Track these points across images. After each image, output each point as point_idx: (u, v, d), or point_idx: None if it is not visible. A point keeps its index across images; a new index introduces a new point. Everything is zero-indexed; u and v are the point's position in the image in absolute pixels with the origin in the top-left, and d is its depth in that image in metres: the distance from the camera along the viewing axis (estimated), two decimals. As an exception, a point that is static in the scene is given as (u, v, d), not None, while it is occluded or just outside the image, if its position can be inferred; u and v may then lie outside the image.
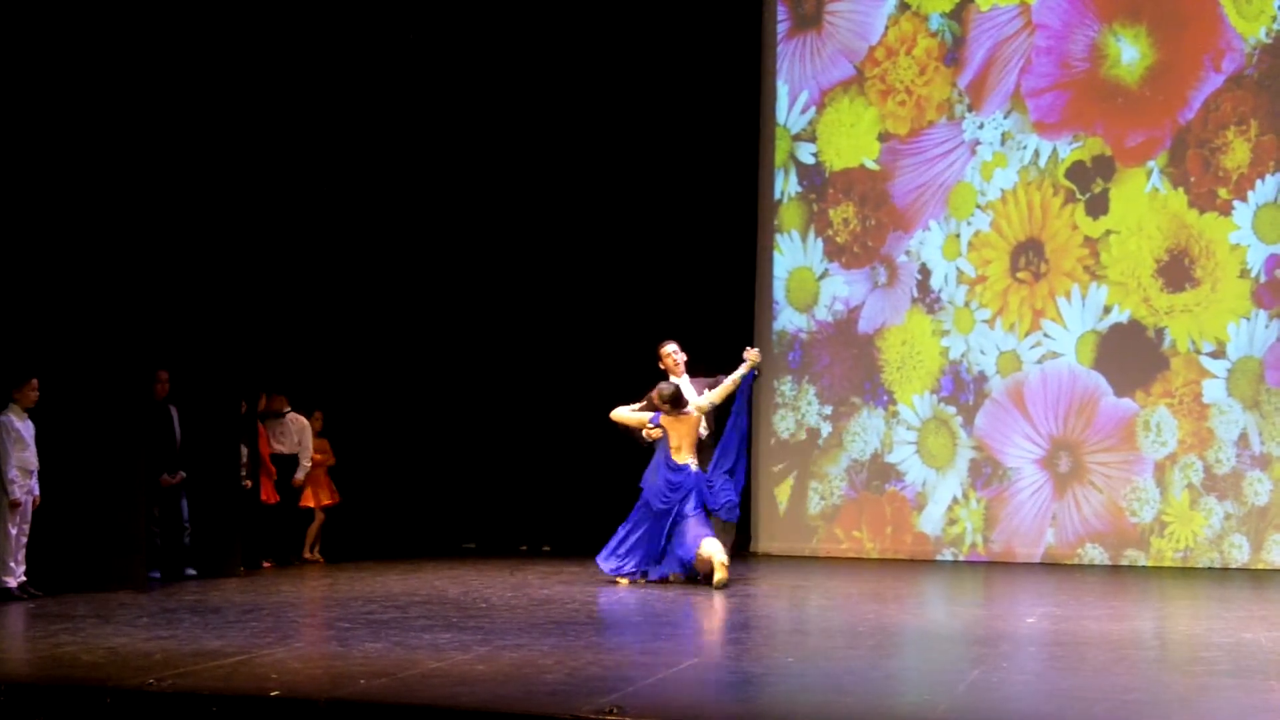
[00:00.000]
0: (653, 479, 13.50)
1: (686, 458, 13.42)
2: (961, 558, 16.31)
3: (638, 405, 13.54)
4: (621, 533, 13.64)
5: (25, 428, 12.13)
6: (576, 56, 17.41)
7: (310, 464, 15.45)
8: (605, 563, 13.62)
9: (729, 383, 13.58)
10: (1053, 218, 16.25)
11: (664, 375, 13.72)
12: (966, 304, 16.45)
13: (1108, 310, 16.02)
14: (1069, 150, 16.21)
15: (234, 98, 14.31)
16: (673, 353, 13.94)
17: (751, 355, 13.72)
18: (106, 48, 12.86)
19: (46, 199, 12.63)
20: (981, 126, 16.50)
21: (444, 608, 11.22)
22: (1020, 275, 16.31)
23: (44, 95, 12.62)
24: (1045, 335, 16.19)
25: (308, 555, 15.56)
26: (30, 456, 12.13)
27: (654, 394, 13.37)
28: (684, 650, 9.19)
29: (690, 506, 13.29)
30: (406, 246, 17.20)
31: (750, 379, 13.72)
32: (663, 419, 13.42)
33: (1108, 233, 16.08)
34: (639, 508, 13.58)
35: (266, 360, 15.11)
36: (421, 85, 17.26)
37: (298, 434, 15.38)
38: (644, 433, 13.60)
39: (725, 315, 17.07)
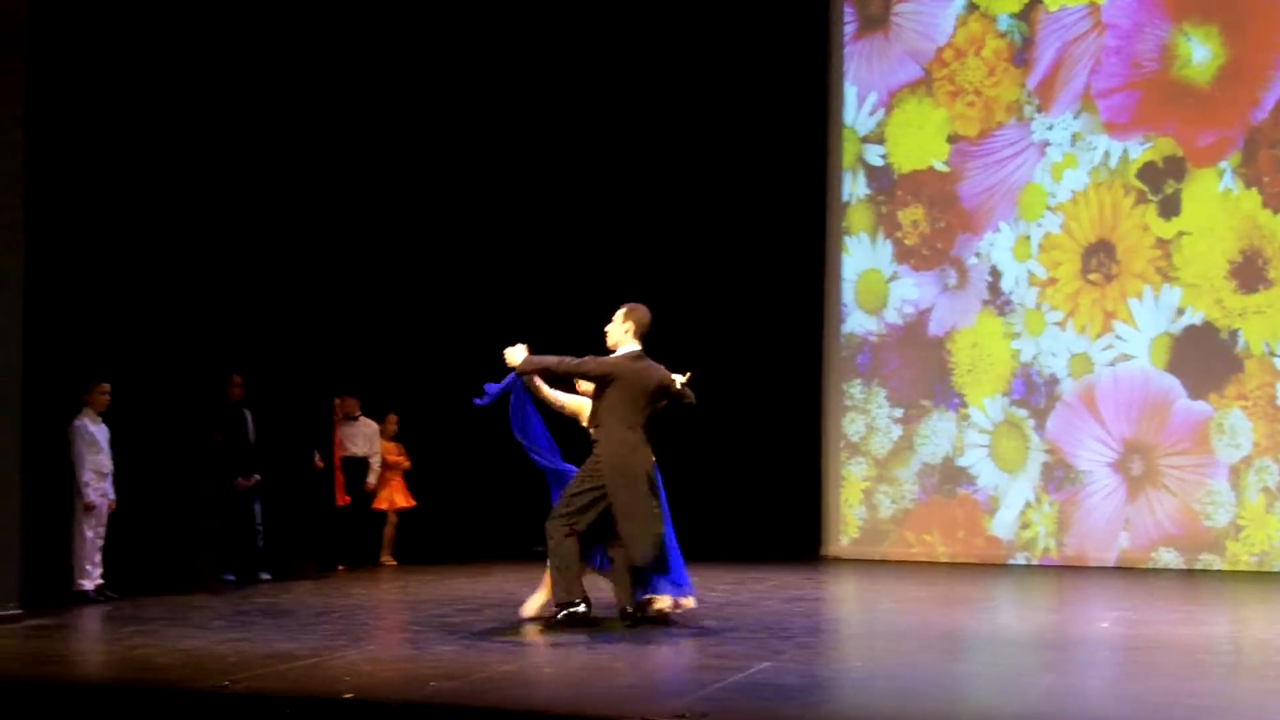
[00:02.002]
0: None
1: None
2: (1034, 562, 16.21)
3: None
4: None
5: (99, 431, 12.24)
6: (646, 60, 17.42)
7: (379, 467, 15.52)
8: None
9: None
10: (1124, 219, 16.14)
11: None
12: (1037, 306, 16.36)
13: (1180, 312, 15.89)
14: (1140, 151, 16.10)
15: (305, 102, 14.40)
16: None
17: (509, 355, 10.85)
18: (178, 52, 12.97)
19: (121, 203, 12.75)
20: (1051, 128, 16.40)
21: (515, 610, 11.24)
22: (1091, 277, 16.21)
23: (119, 101, 12.75)
24: (1117, 337, 16.07)
25: (383, 559, 15.64)
26: (104, 460, 12.25)
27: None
28: (754, 654, 9.18)
29: None
30: (483, 252, 17.23)
31: (509, 385, 10.91)
32: None
33: (1180, 234, 15.95)
34: None
35: (341, 364, 15.20)
36: (496, 88, 17.30)
37: (369, 438, 15.47)
38: None
39: (793, 318, 17.05)
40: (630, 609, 10.52)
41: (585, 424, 10.90)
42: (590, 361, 10.75)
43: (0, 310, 10.55)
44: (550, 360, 10.71)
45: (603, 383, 10.69)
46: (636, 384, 10.72)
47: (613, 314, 10.87)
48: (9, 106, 10.69)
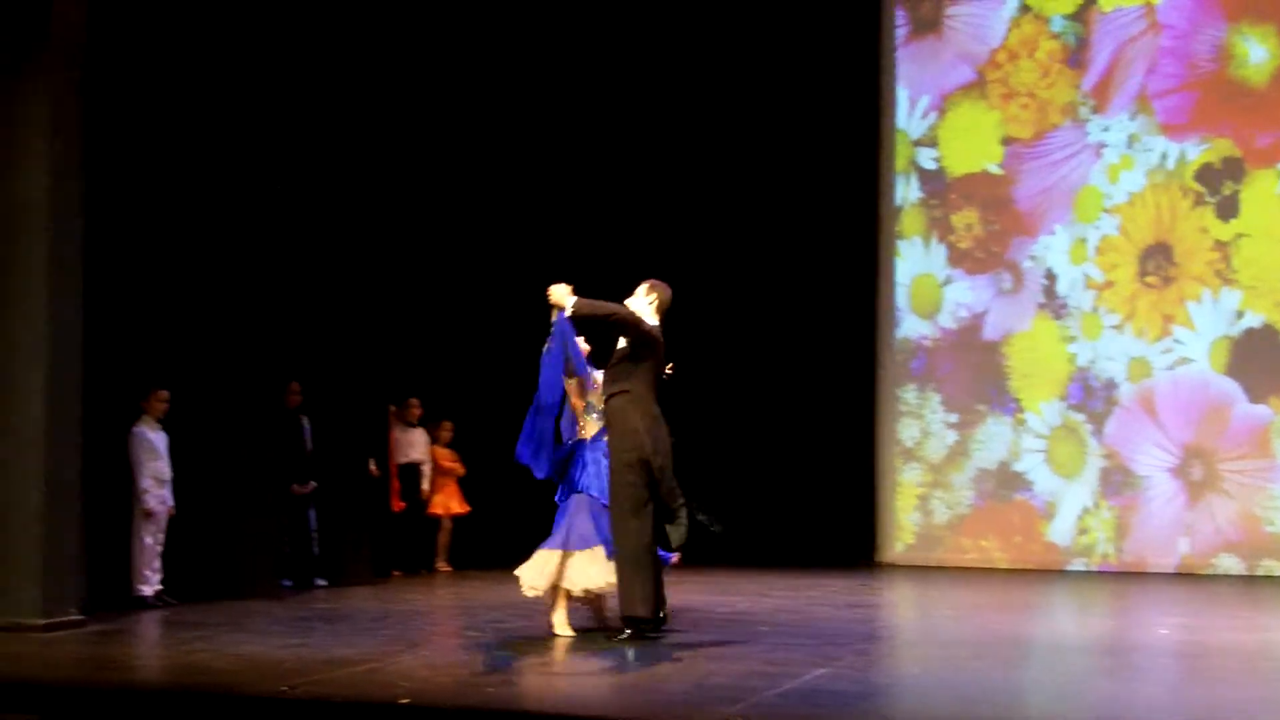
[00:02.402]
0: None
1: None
2: (1092, 568, 16.10)
3: None
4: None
5: (158, 438, 12.33)
6: (698, 64, 17.41)
7: (431, 473, 15.56)
8: None
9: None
10: (1181, 220, 16.02)
11: None
12: (1094, 309, 16.26)
13: (1239, 315, 15.76)
14: (1197, 152, 15.98)
15: (361, 108, 14.47)
16: None
17: (551, 294, 10.18)
18: (234, 58, 13.06)
19: (180, 212, 12.85)
20: (1107, 129, 16.30)
21: (569, 616, 11.25)
22: (1149, 279, 16.10)
23: (178, 109, 12.84)
24: (1176, 341, 15.95)
25: (438, 565, 15.68)
26: (163, 467, 12.33)
27: None
28: (809, 661, 9.16)
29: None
30: (538, 259, 17.21)
31: (561, 329, 10.20)
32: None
33: (1238, 236, 15.82)
34: None
35: (397, 371, 15.25)
36: (548, 96, 17.33)
37: (422, 444, 15.52)
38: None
39: (847, 324, 16.99)
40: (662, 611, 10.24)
41: (585, 397, 10.34)
42: (644, 320, 10.13)
43: (60, 319, 10.63)
44: (607, 306, 10.06)
45: (647, 349, 10.10)
46: (662, 359, 10.28)
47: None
48: (67, 112, 10.77)
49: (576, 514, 10.35)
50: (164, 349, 12.67)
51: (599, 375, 10.42)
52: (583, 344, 10.47)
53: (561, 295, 9.98)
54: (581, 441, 10.50)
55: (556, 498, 10.58)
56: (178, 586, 12.35)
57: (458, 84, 16.38)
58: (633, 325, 10.05)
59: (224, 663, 9.02)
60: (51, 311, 10.56)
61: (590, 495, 10.33)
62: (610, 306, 10.07)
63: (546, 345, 10.19)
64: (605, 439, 10.28)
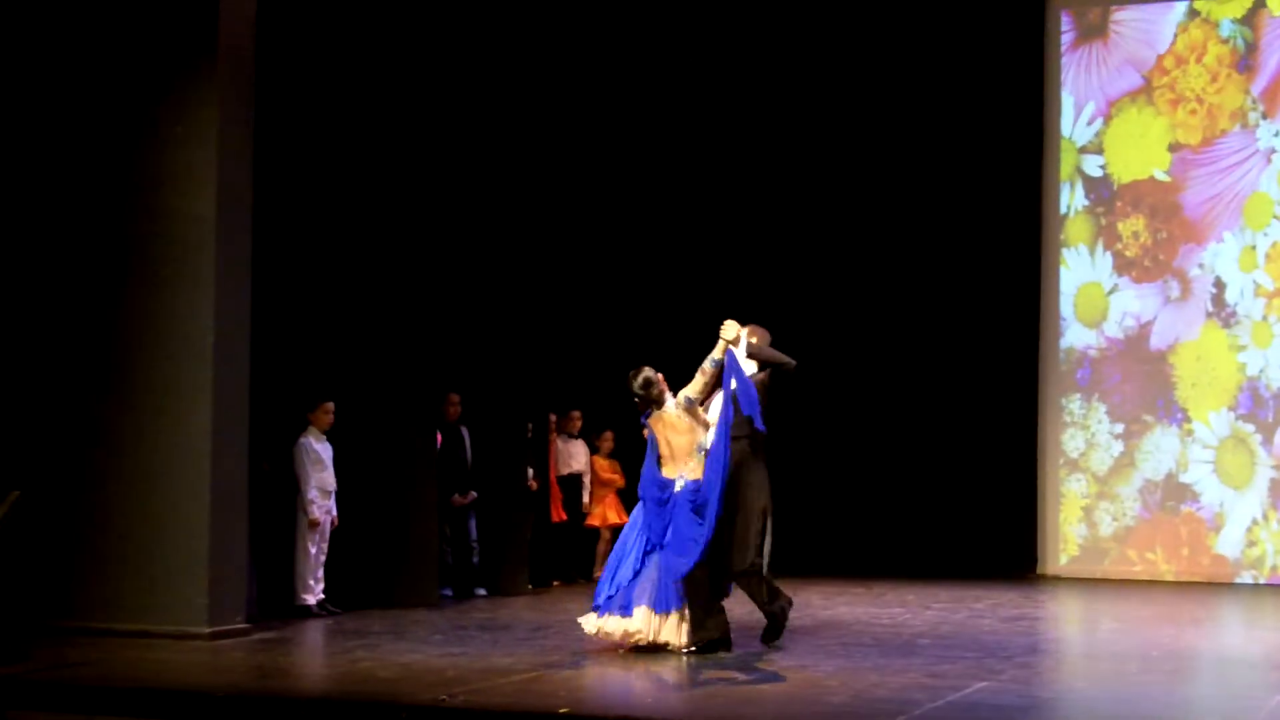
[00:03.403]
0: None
1: (674, 470, 10.46)
2: (1262, 580, 15.77)
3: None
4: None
5: (324, 449, 12.50)
6: (862, 73, 17.33)
7: (590, 484, 15.62)
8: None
9: (701, 370, 10.40)
10: (1355, 227, 15.66)
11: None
12: (1264, 318, 15.92)
13: None
14: (1370, 156, 15.62)
15: (521, 126, 14.59)
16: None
17: (725, 331, 10.29)
18: (400, 72, 13.22)
19: (344, 226, 13.04)
20: (1277, 134, 15.97)
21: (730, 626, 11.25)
22: (1320, 287, 15.75)
23: (342, 125, 13.04)
24: (1348, 350, 15.58)
25: (597, 575, 15.73)
26: (329, 478, 12.50)
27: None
28: (971, 674, 9.07)
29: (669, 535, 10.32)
30: (697, 274, 17.23)
31: (732, 363, 10.26)
32: (651, 419, 10.68)
33: None
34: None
35: (559, 382, 15.33)
36: (691, 113, 17.35)
37: (583, 455, 15.58)
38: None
39: (1011, 332, 16.82)
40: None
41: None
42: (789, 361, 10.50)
43: (228, 331, 10.83)
44: (778, 355, 10.51)
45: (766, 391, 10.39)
46: None
47: (818, 331, 10.66)
48: (237, 124, 10.98)
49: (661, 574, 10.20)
50: (329, 361, 12.86)
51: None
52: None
53: (734, 331, 10.22)
54: (686, 485, 10.34)
55: (645, 527, 10.46)
56: (340, 596, 12.51)
57: (592, 101, 16.43)
58: (787, 370, 10.46)
59: (385, 671, 9.12)
60: (219, 324, 10.74)
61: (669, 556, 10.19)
62: (782, 357, 10.51)
63: (701, 384, 10.32)
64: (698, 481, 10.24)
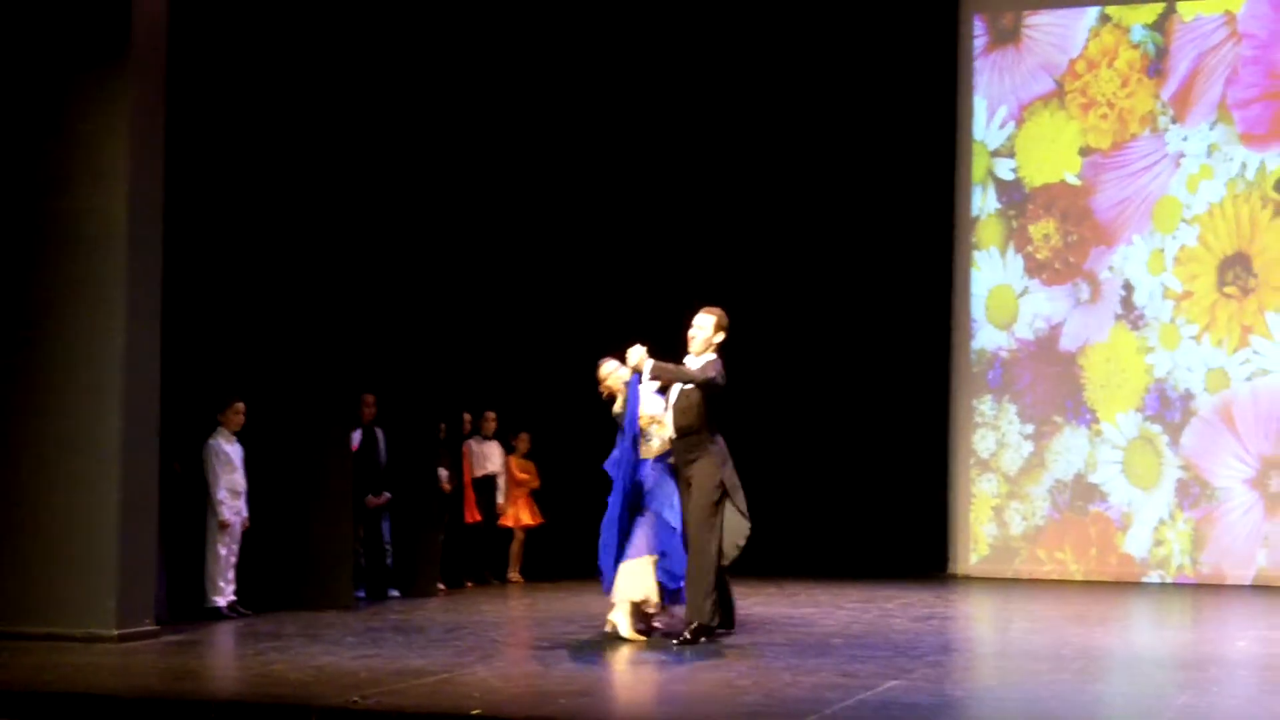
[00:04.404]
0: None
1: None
2: (1169, 580, 15.96)
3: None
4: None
5: (234, 450, 12.40)
6: (777, 75, 17.39)
7: (505, 484, 15.59)
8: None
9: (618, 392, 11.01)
10: (1262, 231, 15.87)
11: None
12: (1173, 320, 16.11)
13: (1320, 325, 15.59)
14: (1278, 162, 15.83)
15: (434, 124, 14.52)
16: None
17: (630, 356, 10.68)
18: (312, 71, 13.13)
19: (254, 225, 12.93)
20: (1186, 139, 16.16)
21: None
22: (1228, 290, 15.94)
23: (253, 122, 12.93)
24: (1254, 352, 15.79)
25: (510, 576, 15.70)
26: (239, 479, 12.40)
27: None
28: (883, 673, 9.11)
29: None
30: (616, 275, 17.23)
31: (633, 390, 10.76)
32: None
33: (1319, 246, 15.66)
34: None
35: (473, 383, 15.29)
36: (624, 110, 17.35)
37: (498, 456, 15.54)
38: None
39: (922, 334, 16.94)
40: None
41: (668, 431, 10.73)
42: (718, 375, 10.63)
43: (138, 331, 10.71)
44: (685, 372, 10.60)
45: (723, 391, 10.68)
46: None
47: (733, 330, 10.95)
48: (149, 120, 10.86)
49: (645, 528, 10.69)
50: (240, 362, 12.75)
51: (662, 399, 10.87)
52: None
53: (639, 358, 10.52)
54: (644, 460, 10.83)
55: (614, 499, 10.79)
56: (251, 598, 12.41)
57: (525, 94, 16.39)
58: (704, 384, 10.55)
59: (297, 673, 9.06)
60: (129, 323, 10.62)
61: (659, 515, 10.70)
62: (688, 372, 10.59)
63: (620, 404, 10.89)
64: (668, 459, 10.79)
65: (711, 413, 10.65)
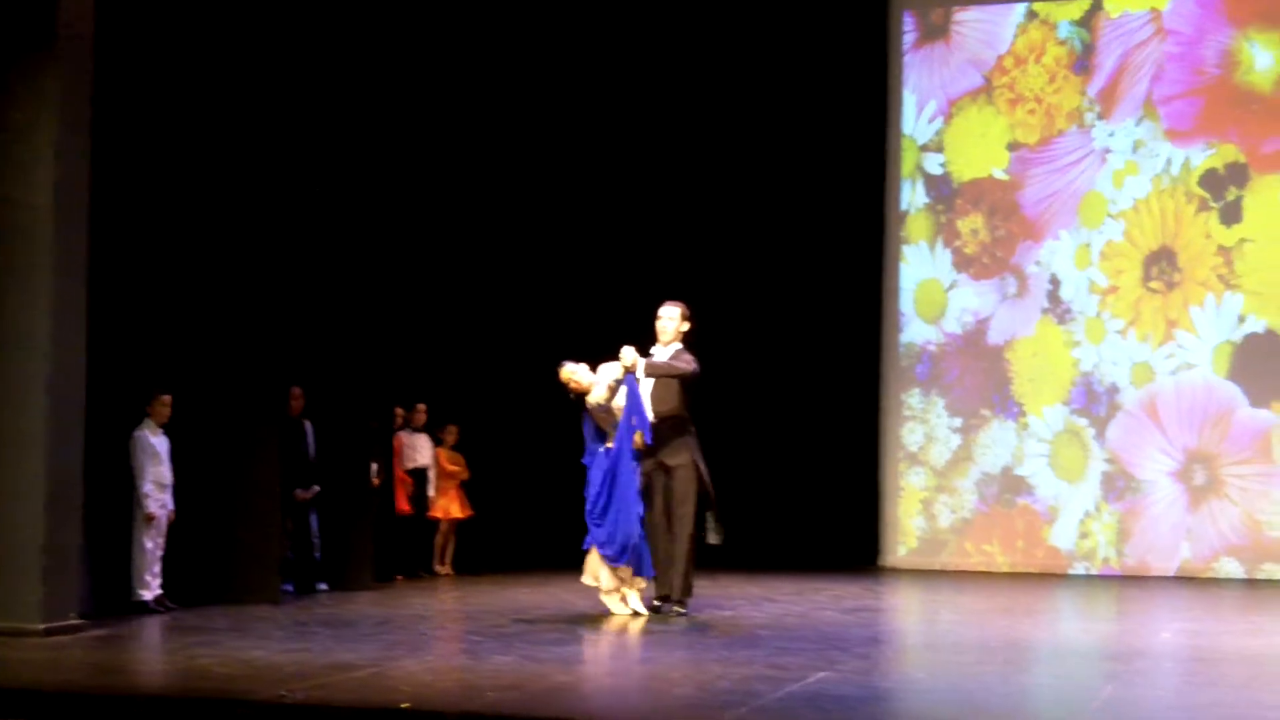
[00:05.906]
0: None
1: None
2: (1094, 572, 16.10)
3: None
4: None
5: (160, 443, 12.30)
6: (705, 70, 17.42)
7: (435, 477, 15.54)
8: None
9: (608, 385, 11.60)
10: (1186, 226, 16.02)
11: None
12: (1098, 314, 16.25)
13: (1242, 320, 15.76)
14: (1202, 158, 15.99)
15: (365, 115, 14.45)
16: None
17: (623, 357, 11.43)
18: (237, 64, 13.04)
19: (181, 217, 12.83)
20: (1112, 134, 16.30)
21: (573, 621, 11.25)
22: (1153, 285, 16.09)
23: (180, 114, 12.83)
24: (1179, 346, 15.95)
25: (437, 567, 15.65)
26: (165, 471, 12.30)
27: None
28: (813, 665, 9.14)
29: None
30: (542, 263, 17.23)
31: (632, 388, 11.43)
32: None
33: (1242, 241, 15.82)
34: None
35: (402, 376, 15.23)
36: (549, 99, 17.33)
37: (428, 448, 15.49)
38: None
39: (852, 328, 17.01)
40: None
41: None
42: (693, 364, 11.49)
43: (64, 322, 10.60)
44: (675, 367, 11.43)
45: (696, 380, 11.52)
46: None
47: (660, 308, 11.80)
48: (75, 112, 10.75)
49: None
50: (167, 353, 12.64)
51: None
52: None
53: (632, 359, 11.30)
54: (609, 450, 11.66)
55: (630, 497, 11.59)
56: (178, 592, 12.32)
57: (458, 87, 16.36)
58: (692, 376, 11.48)
59: (225, 668, 9.00)
60: (55, 314, 10.51)
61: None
62: (676, 367, 11.45)
63: (607, 396, 11.54)
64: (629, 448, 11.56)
65: (689, 399, 11.56)
